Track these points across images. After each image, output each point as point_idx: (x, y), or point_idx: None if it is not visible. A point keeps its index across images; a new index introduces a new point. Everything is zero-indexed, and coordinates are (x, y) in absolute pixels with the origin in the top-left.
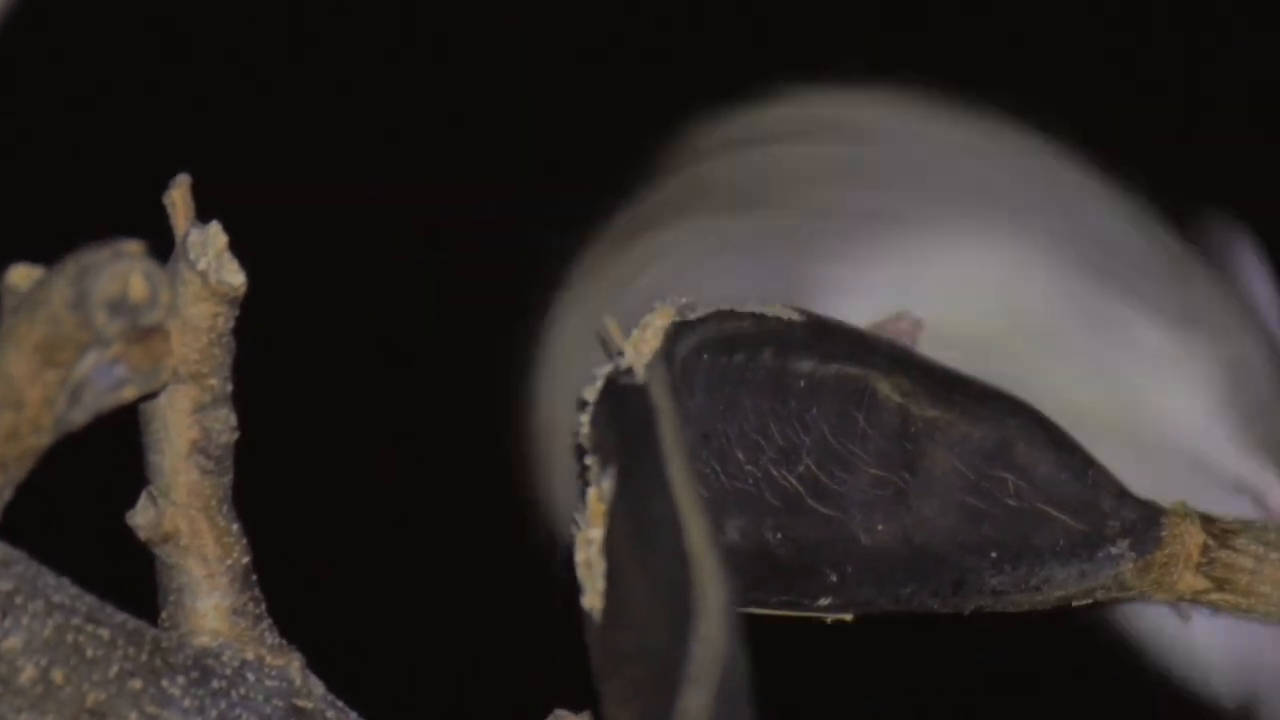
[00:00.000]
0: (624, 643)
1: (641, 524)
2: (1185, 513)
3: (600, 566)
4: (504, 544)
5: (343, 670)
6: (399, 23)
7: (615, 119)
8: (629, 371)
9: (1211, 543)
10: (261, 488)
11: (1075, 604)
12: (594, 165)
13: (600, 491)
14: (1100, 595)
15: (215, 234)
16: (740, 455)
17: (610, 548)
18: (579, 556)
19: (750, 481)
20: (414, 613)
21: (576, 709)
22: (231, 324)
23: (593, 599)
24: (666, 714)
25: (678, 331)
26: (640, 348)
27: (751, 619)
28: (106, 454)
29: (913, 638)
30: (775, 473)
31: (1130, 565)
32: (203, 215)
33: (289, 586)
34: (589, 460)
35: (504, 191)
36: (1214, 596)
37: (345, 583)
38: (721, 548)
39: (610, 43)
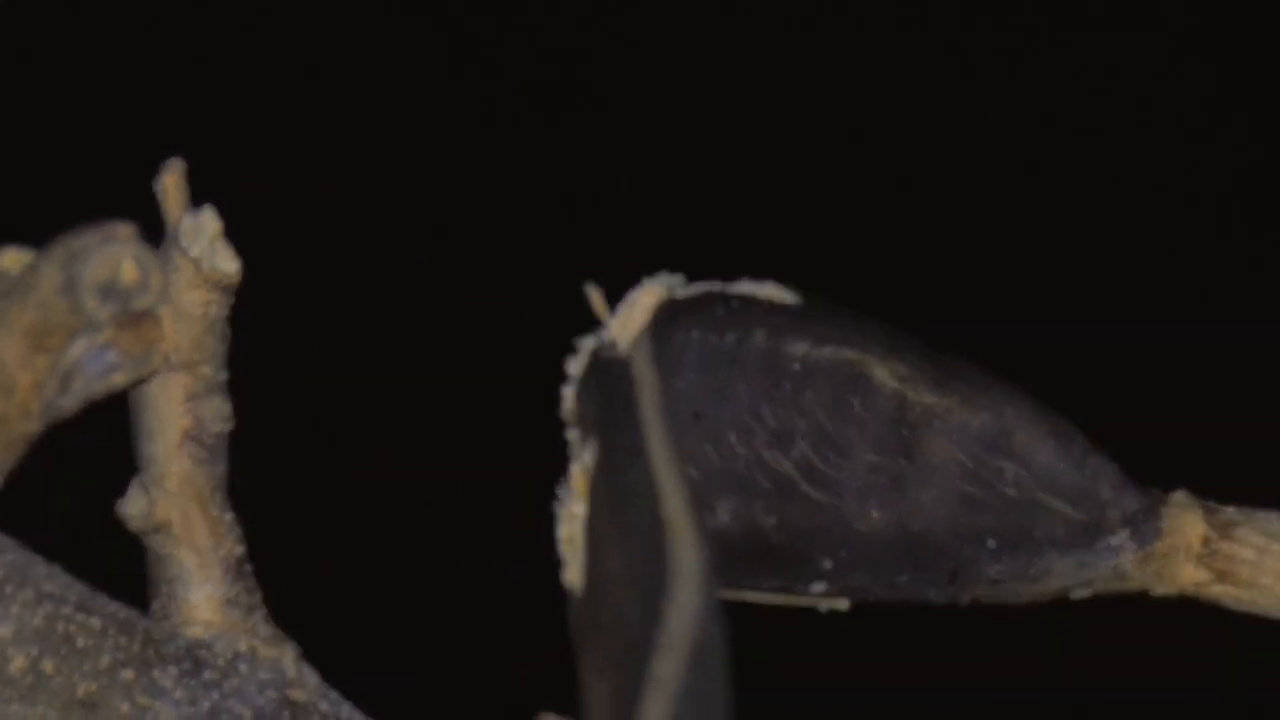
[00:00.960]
0: (602, 613)
1: (620, 494)
2: (1187, 503)
3: (582, 541)
4: (500, 535)
5: (338, 661)
6: (397, 15)
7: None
8: (613, 345)
9: (1213, 534)
10: (258, 478)
11: (1074, 596)
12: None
13: (583, 466)
14: (1099, 587)
15: (208, 220)
16: (732, 438)
17: (592, 521)
18: (562, 532)
19: (742, 464)
20: (409, 603)
21: (571, 700)
22: (226, 312)
23: (574, 574)
24: (640, 682)
25: (666, 310)
26: (627, 324)
27: (743, 607)
28: (98, 443)
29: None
30: (768, 456)
31: (1130, 556)
32: (197, 200)
33: (285, 577)
34: (571, 434)
35: (499, 185)
36: (1215, 589)
37: (341, 573)
38: (704, 519)
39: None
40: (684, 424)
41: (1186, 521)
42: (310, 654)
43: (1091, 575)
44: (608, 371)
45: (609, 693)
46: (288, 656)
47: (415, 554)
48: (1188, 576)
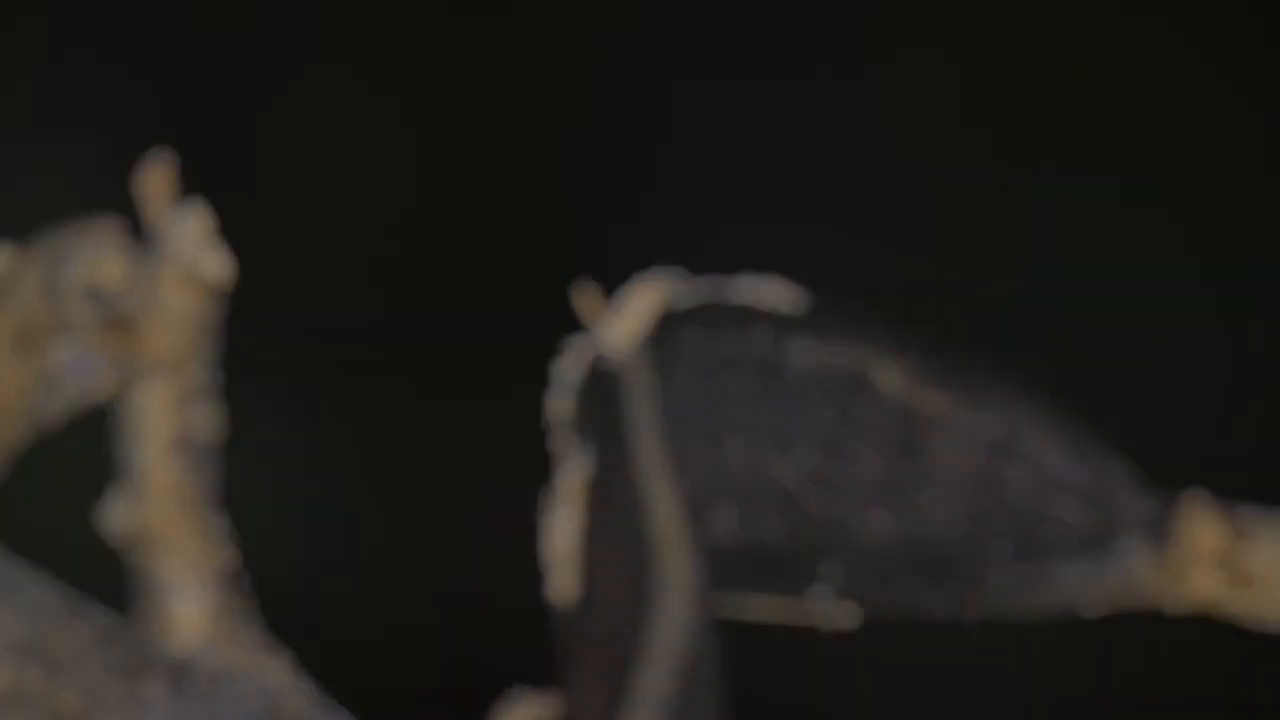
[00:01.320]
0: (591, 627)
1: (612, 505)
2: (1203, 505)
3: (572, 551)
4: (498, 539)
5: (333, 671)
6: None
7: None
8: (607, 351)
9: (1230, 537)
10: (249, 484)
11: (1086, 607)
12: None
13: (575, 474)
14: (1112, 596)
15: (196, 218)
16: (732, 443)
17: (585, 532)
18: (552, 541)
19: (742, 470)
20: (404, 611)
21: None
22: (214, 314)
23: (564, 584)
24: (628, 697)
25: (665, 314)
26: (621, 327)
27: (743, 624)
28: (85, 450)
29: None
30: (769, 461)
31: (1143, 561)
32: (186, 197)
33: (278, 585)
34: (564, 442)
35: (496, 184)
36: (1231, 596)
37: (335, 581)
38: (698, 533)
39: None
40: (681, 431)
41: (1202, 524)
42: (303, 664)
43: (1103, 582)
44: (600, 378)
45: (599, 708)
46: (280, 667)
47: (412, 562)
48: (1203, 583)
